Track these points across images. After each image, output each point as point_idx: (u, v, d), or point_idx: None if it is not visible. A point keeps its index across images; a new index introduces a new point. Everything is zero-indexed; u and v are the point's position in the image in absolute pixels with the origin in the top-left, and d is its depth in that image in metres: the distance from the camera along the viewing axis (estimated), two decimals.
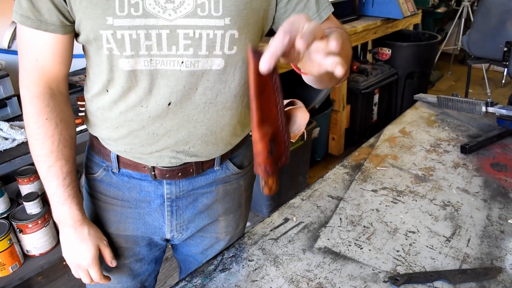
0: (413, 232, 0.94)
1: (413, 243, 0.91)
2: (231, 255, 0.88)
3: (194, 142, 0.82)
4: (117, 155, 0.85)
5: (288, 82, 2.96)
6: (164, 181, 0.87)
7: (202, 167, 0.88)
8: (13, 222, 1.71)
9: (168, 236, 0.94)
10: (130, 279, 0.97)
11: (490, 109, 1.42)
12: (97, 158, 0.89)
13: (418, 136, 1.40)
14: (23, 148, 1.54)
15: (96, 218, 0.93)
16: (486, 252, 0.89)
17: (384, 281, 0.81)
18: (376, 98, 3.11)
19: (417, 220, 0.98)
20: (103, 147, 0.86)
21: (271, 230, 0.96)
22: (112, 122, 0.81)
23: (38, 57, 0.76)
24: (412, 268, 0.84)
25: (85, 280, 0.88)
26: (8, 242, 1.67)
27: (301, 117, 2.19)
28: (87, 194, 0.94)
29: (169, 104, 0.77)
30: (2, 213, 1.76)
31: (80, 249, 0.85)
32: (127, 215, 0.90)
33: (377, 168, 1.21)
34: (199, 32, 0.72)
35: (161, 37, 0.71)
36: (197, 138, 0.82)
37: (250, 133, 0.94)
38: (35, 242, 1.75)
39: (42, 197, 1.78)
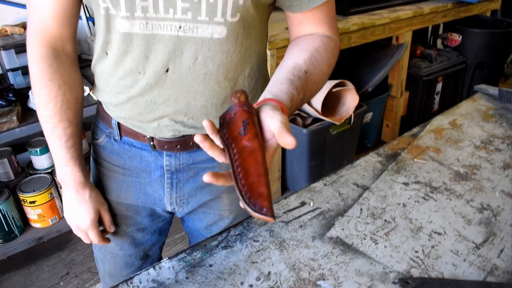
0: (439, 234, 0.86)
1: (436, 245, 0.83)
2: (237, 233, 0.85)
3: (193, 114, 0.79)
4: (118, 122, 0.85)
5: (342, 62, 2.84)
6: (164, 152, 0.85)
7: None
8: (55, 178, 1.81)
9: (169, 209, 0.93)
10: (132, 247, 0.98)
11: None
12: (101, 124, 0.89)
13: (469, 130, 1.28)
14: None
15: (99, 184, 0.94)
16: None
17: (394, 282, 0.74)
18: (439, 86, 2.90)
19: (447, 221, 0.90)
20: (106, 113, 0.86)
21: (284, 212, 0.92)
22: (113, 87, 0.80)
23: (41, 17, 0.75)
24: (428, 272, 0.77)
25: (85, 240, 0.90)
26: (49, 196, 1.77)
27: (350, 99, 2.09)
28: (92, 160, 0.95)
29: (167, 71, 0.74)
30: (47, 169, 1.86)
31: (80, 211, 0.86)
32: (128, 184, 0.90)
33: (415, 160, 1.12)
34: None
35: None
36: (197, 110, 0.79)
37: None
38: None
39: (85, 157, 1.86)
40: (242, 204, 0.57)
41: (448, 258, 0.80)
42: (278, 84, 0.71)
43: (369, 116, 2.62)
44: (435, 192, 0.99)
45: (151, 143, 0.84)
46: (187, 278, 0.74)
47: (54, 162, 0.85)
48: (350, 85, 2.06)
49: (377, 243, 0.83)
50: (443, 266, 0.78)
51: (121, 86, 0.78)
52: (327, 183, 1.02)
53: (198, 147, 0.86)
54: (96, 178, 0.95)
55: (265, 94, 0.70)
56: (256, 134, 0.60)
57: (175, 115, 0.79)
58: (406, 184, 1.02)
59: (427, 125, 1.31)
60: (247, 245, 0.82)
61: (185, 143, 0.85)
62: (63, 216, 1.87)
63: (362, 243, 0.83)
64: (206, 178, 0.58)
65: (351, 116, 2.10)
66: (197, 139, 0.59)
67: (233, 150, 0.60)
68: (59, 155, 0.83)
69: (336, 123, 2.02)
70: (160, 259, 1.09)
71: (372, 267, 0.77)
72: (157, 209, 0.95)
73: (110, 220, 0.90)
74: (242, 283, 0.73)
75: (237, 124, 0.62)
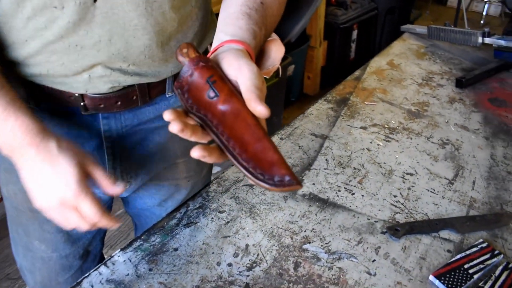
0: (411, 174, 0.81)
1: (412, 186, 0.78)
2: (197, 206, 0.72)
3: (135, 58, 0.61)
4: (32, 83, 0.64)
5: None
6: (100, 114, 0.66)
7: (149, 93, 0.68)
8: None
9: None
10: (68, 245, 0.79)
11: (487, 40, 1.28)
12: None
13: (408, 69, 1.25)
14: None
15: (13, 174, 0.70)
16: (494, 195, 0.77)
17: (382, 232, 0.68)
18: (354, 34, 2.92)
19: (414, 160, 0.85)
20: (11, 76, 0.60)
21: (245, 175, 0.80)
22: (18, 33, 0.58)
23: None
24: (413, 216, 0.71)
25: (81, 224, 0.57)
26: None
27: (276, 51, 1.99)
28: None
29: (95, 1, 0.56)
30: None
31: (54, 176, 0.54)
32: None
33: (365, 103, 1.06)
34: None
35: None
36: (139, 51, 0.61)
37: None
38: None
39: None
40: (252, 181, 0.45)
41: (427, 198, 0.75)
42: (233, 20, 0.57)
43: (291, 69, 2.56)
44: (395, 133, 0.94)
45: (82, 103, 0.64)
46: (150, 270, 0.60)
47: None
48: (274, 36, 1.95)
49: (354, 194, 0.76)
50: (425, 207, 0.73)
51: (31, 29, 0.57)
52: (283, 137, 0.92)
53: (144, 102, 0.68)
54: (8, 167, 0.72)
55: (220, 36, 0.55)
56: (231, 91, 0.47)
57: (111, 61, 0.61)
58: (364, 128, 0.95)
59: (367, 67, 1.26)
60: (212, 218, 0.70)
61: (127, 98, 0.66)
62: None
63: (338, 196, 0.75)
64: (195, 153, 0.45)
65: (278, 68, 2.01)
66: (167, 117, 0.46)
67: (211, 122, 0.47)
68: None
69: (265, 76, 1.92)
70: (102, 255, 0.91)
71: (356, 220, 0.70)
72: (96, 192, 0.76)
73: (105, 174, 0.58)
74: (218, 264, 0.62)
75: (201, 87, 0.48)
